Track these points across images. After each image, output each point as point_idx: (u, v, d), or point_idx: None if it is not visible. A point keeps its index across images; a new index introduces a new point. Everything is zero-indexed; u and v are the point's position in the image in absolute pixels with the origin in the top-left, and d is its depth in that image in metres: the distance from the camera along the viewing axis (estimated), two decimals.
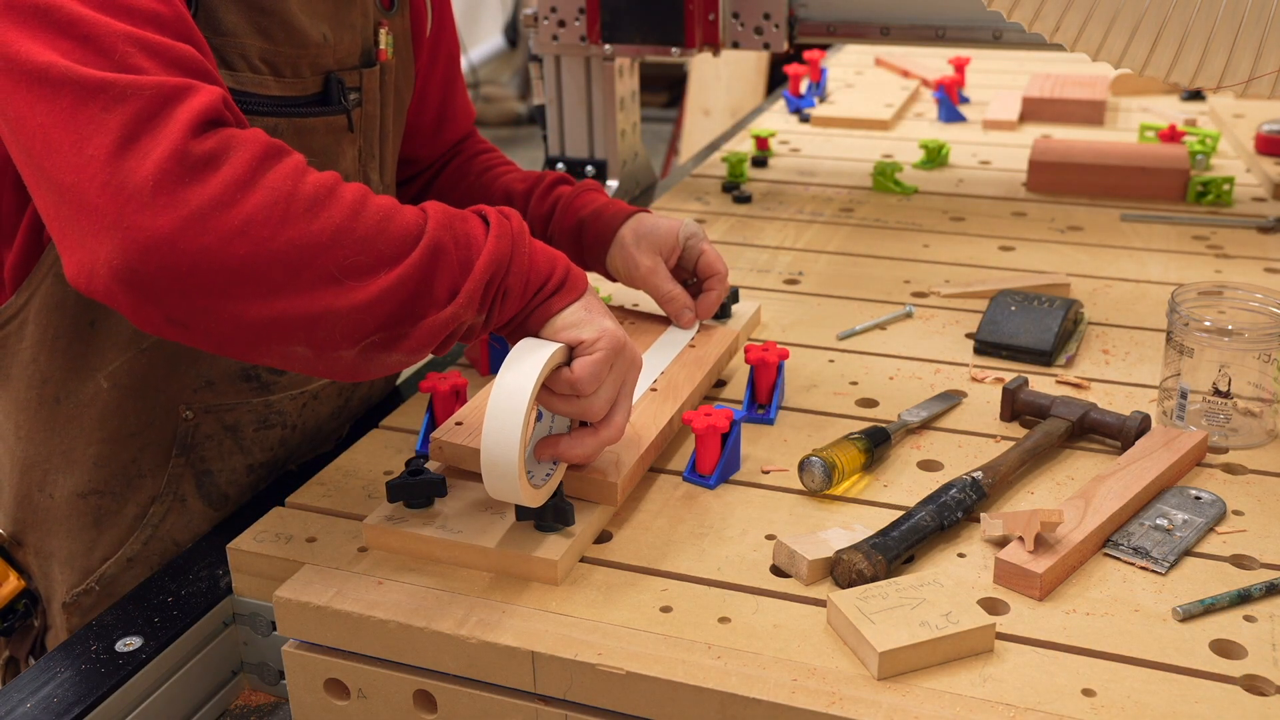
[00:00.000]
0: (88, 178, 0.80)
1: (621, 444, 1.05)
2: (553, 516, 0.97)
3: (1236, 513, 1.03)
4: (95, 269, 0.81)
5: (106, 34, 0.83)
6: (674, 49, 1.74)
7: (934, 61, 2.58)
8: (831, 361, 1.33)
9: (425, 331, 0.90)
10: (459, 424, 1.07)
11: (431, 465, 1.07)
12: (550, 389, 0.97)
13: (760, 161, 2.05)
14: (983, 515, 1.00)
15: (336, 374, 0.91)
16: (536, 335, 0.98)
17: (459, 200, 1.35)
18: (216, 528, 1.13)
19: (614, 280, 1.30)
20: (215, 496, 1.16)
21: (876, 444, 1.11)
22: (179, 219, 0.80)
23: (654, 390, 1.16)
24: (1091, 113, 2.22)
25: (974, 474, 1.04)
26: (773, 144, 2.14)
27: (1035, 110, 2.26)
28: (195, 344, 0.87)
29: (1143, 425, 1.12)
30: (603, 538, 1.01)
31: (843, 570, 0.94)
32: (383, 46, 1.17)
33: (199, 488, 1.15)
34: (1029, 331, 1.31)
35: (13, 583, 1.15)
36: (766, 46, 1.78)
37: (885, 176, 1.89)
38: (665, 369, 1.20)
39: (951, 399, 1.23)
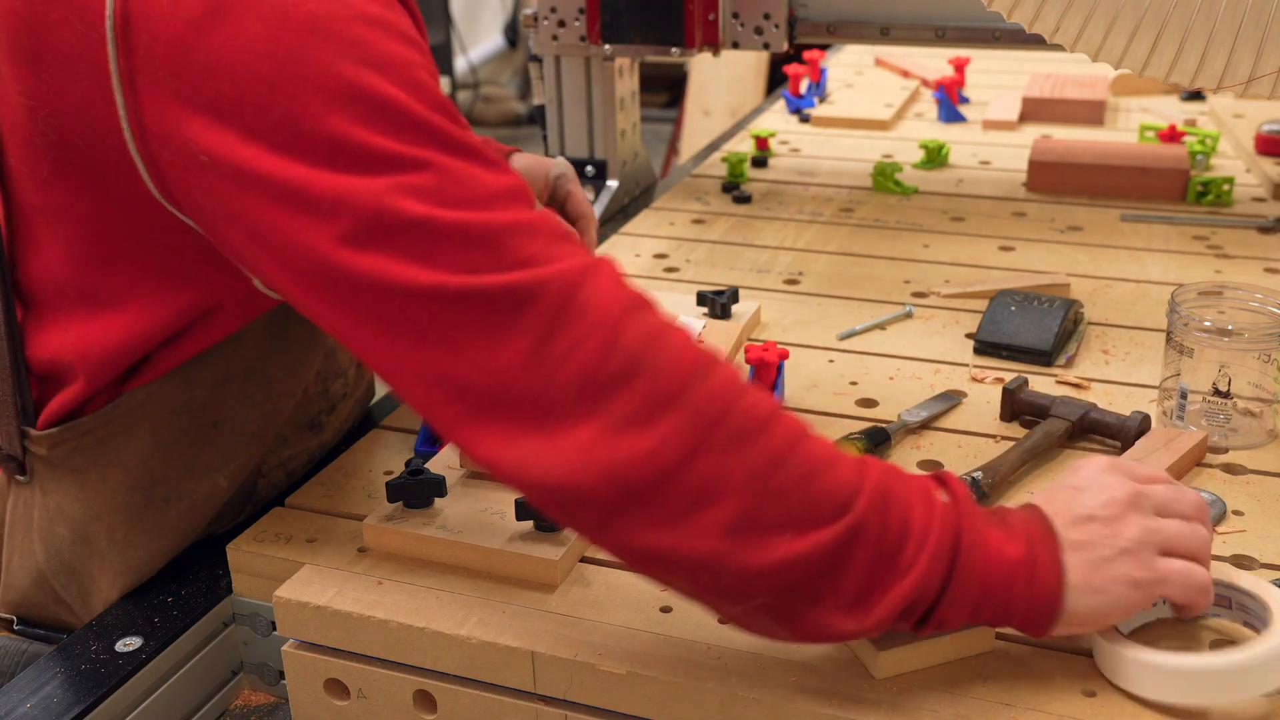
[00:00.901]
0: (503, 383, 0.75)
1: None
2: None
3: (1236, 513, 1.03)
4: (501, 466, 0.77)
5: (486, 234, 0.76)
6: (674, 49, 1.74)
7: (934, 61, 2.58)
8: (831, 361, 1.33)
9: (817, 625, 0.77)
10: None
11: (434, 465, 1.07)
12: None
13: (760, 161, 2.04)
14: None
15: (721, 613, 0.83)
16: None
17: None
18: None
19: None
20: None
21: (876, 444, 1.11)
22: (595, 430, 0.74)
23: None
24: (1091, 113, 2.22)
25: (974, 474, 1.04)
26: (773, 144, 2.14)
27: (1035, 110, 2.25)
28: (599, 546, 0.81)
29: (1143, 425, 1.12)
30: None
31: None
32: None
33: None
34: (1029, 331, 1.31)
35: None
36: (766, 46, 1.78)
37: (885, 176, 1.89)
38: None
39: (951, 399, 1.23)
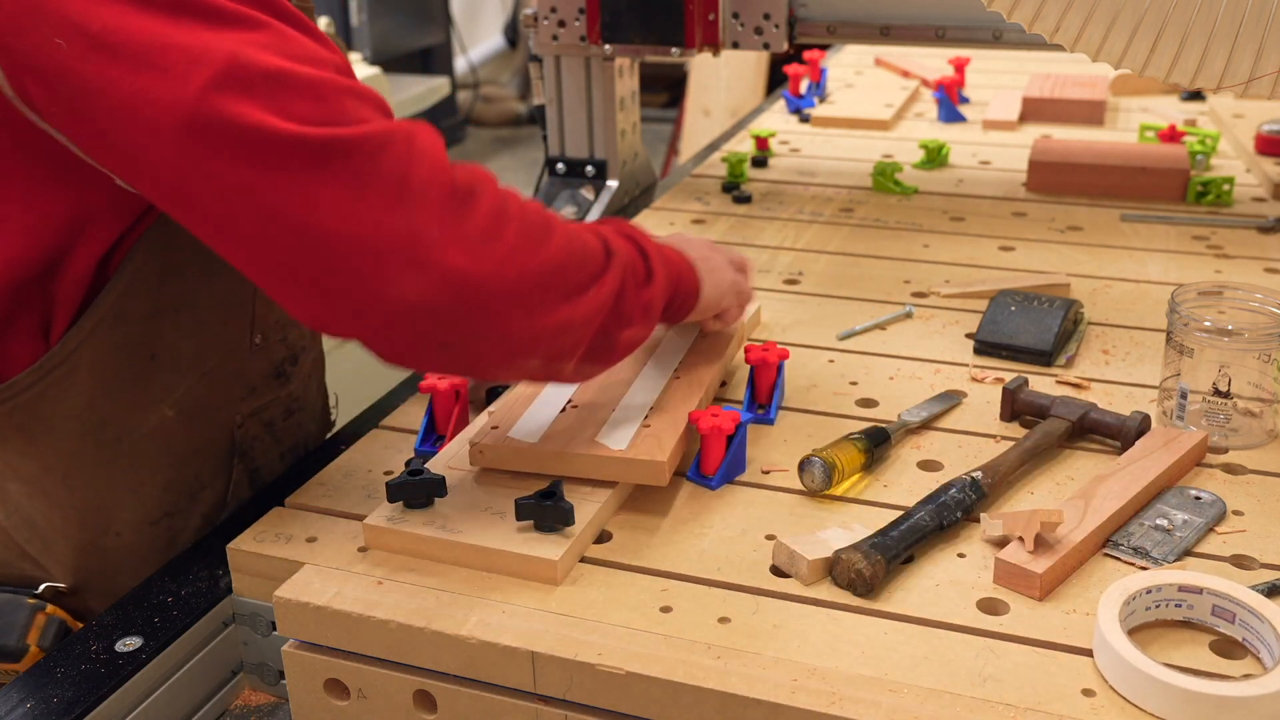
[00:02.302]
0: (375, 224, 0.85)
1: (662, 426, 1.08)
2: (553, 516, 0.97)
3: (1236, 513, 1.03)
4: (378, 305, 0.86)
5: (330, 93, 0.86)
6: (674, 49, 1.74)
7: (934, 61, 2.58)
8: (831, 361, 1.33)
9: (627, 344, 1.02)
10: (494, 427, 1.08)
11: (434, 465, 1.07)
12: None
13: (760, 161, 2.04)
14: (982, 515, 1.00)
15: (555, 380, 1.02)
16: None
17: None
18: (217, 528, 1.13)
19: None
20: (259, 487, 1.19)
21: (876, 444, 1.11)
22: (465, 251, 0.87)
23: (678, 378, 1.18)
24: (1091, 113, 2.22)
25: (974, 474, 1.04)
26: (773, 144, 2.14)
27: (1035, 110, 2.26)
28: (447, 369, 0.95)
29: (1143, 425, 1.12)
30: (603, 538, 1.01)
31: (842, 570, 0.94)
32: None
33: (251, 485, 1.18)
34: (1029, 331, 1.31)
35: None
36: (766, 46, 1.78)
37: (885, 176, 1.89)
38: (683, 358, 1.22)
39: (951, 399, 1.23)
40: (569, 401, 1.12)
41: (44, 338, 1.02)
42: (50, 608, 1.09)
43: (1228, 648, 0.87)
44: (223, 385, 1.12)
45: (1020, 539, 0.95)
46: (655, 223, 1.78)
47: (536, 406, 1.12)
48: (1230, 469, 1.10)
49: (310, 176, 0.84)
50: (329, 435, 1.32)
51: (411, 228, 0.85)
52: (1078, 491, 1.03)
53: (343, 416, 1.37)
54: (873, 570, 0.92)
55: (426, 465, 1.06)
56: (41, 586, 1.10)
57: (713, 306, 1.19)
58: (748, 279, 1.26)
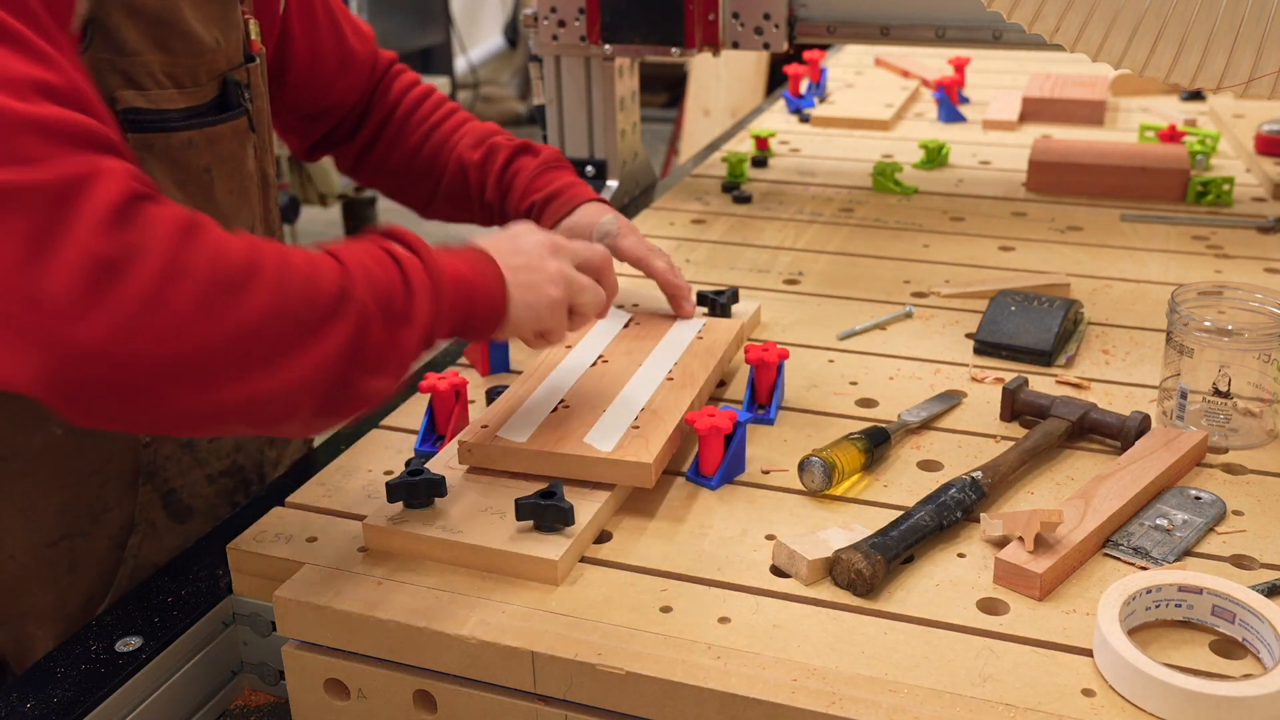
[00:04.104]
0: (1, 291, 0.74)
1: (651, 427, 1.07)
2: (553, 516, 0.97)
3: (1236, 513, 1.03)
4: (18, 380, 0.76)
5: (7, 121, 0.76)
6: (674, 49, 1.74)
7: (934, 61, 2.58)
8: (831, 361, 1.33)
9: (363, 398, 0.88)
10: (484, 426, 1.08)
11: (434, 465, 1.07)
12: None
13: (760, 161, 2.05)
14: (982, 515, 1.00)
15: (291, 434, 0.91)
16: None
17: (414, 164, 1.37)
18: (217, 528, 1.13)
19: None
20: (180, 512, 1.16)
21: (876, 444, 1.11)
22: (106, 329, 0.75)
23: (670, 379, 1.17)
24: (1091, 113, 2.22)
25: (974, 474, 1.04)
26: (773, 144, 2.14)
27: (1035, 110, 2.26)
28: (127, 431, 0.86)
29: (1143, 425, 1.12)
30: (603, 538, 1.01)
31: (842, 570, 0.94)
32: (253, 37, 1.15)
33: (166, 508, 1.15)
34: (1029, 331, 1.31)
35: None
36: (766, 46, 1.78)
37: (885, 176, 1.89)
38: (679, 359, 1.22)
39: (951, 399, 1.23)
40: (560, 401, 1.12)
41: None
42: None
43: (1228, 648, 0.87)
44: None
45: (1020, 539, 0.95)
46: (655, 223, 1.78)
47: (528, 406, 1.12)
48: (1230, 469, 1.10)
49: None
50: (329, 435, 1.31)
51: (32, 298, 0.74)
52: (1078, 491, 1.03)
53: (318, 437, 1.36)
54: (873, 570, 0.92)
55: (426, 465, 1.06)
56: None
57: (528, 327, 1.03)
58: (598, 288, 1.08)
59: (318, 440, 1.30)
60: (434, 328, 0.92)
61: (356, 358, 0.85)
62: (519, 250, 1.03)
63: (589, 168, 1.91)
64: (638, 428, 1.07)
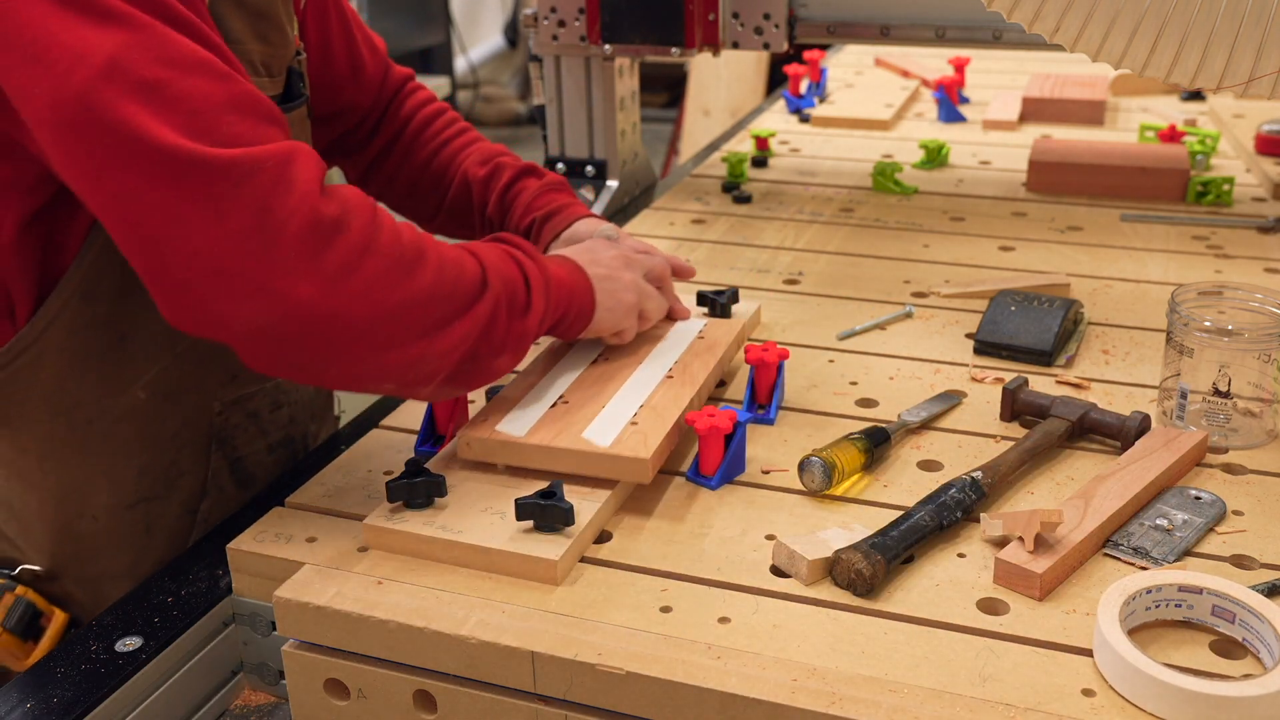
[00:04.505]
0: (230, 249, 0.86)
1: (649, 424, 1.08)
2: (553, 516, 0.97)
3: (1236, 513, 1.03)
4: (228, 323, 0.89)
5: (209, 107, 0.87)
6: (674, 49, 1.74)
7: (934, 61, 2.58)
8: (831, 361, 1.33)
9: (488, 373, 1.03)
10: (484, 420, 1.09)
11: (434, 465, 1.07)
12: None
13: (760, 161, 2.05)
14: (982, 515, 1.00)
15: (421, 398, 1.03)
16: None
17: (423, 178, 1.42)
18: (217, 528, 1.13)
19: None
20: (245, 479, 1.20)
21: (876, 444, 1.11)
22: (317, 285, 0.88)
23: (670, 377, 1.17)
24: (1091, 113, 2.22)
25: (974, 474, 1.04)
26: (773, 144, 2.14)
27: (1035, 110, 2.26)
28: (303, 382, 0.98)
29: (1143, 425, 1.12)
30: (603, 538, 1.01)
31: (842, 570, 0.94)
32: (295, 32, 1.20)
33: (232, 475, 1.18)
34: (1029, 331, 1.31)
35: (59, 618, 1.12)
36: (766, 46, 1.78)
37: (885, 176, 1.89)
38: (679, 358, 1.22)
39: (951, 399, 1.23)
40: (560, 397, 1.13)
41: (10, 320, 1.03)
42: (21, 589, 1.11)
43: (1228, 648, 0.87)
44: (198, 369, 1.12)
45: (1020, 539, 0.95)
46: (655, 223, 1.78)
47: (528, 401, 1.12)
48: (1230, 469, 1.10)
49: (174, 193, 0.85)
50: (330, 434, 1.32)
51: (265, 257, 0.87)
52: (1078, 491, 1.03)
53: (343, 416, 1.37)
54: (873, 570, 0.92)
55: (426, 465, 1.06)
56: (18, 568, 1.12)
57: (608, 328, 1.17)
58: (661, 296, 1.24)
59: (317, 442, 1.30)
60: (544, 320, 1.07)
61: (489, 337, 1.00)
62: (598, 261, 1.17)
63: (589, 168, 1.91)
64: (636, 424, 1.07)
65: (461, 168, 1.41)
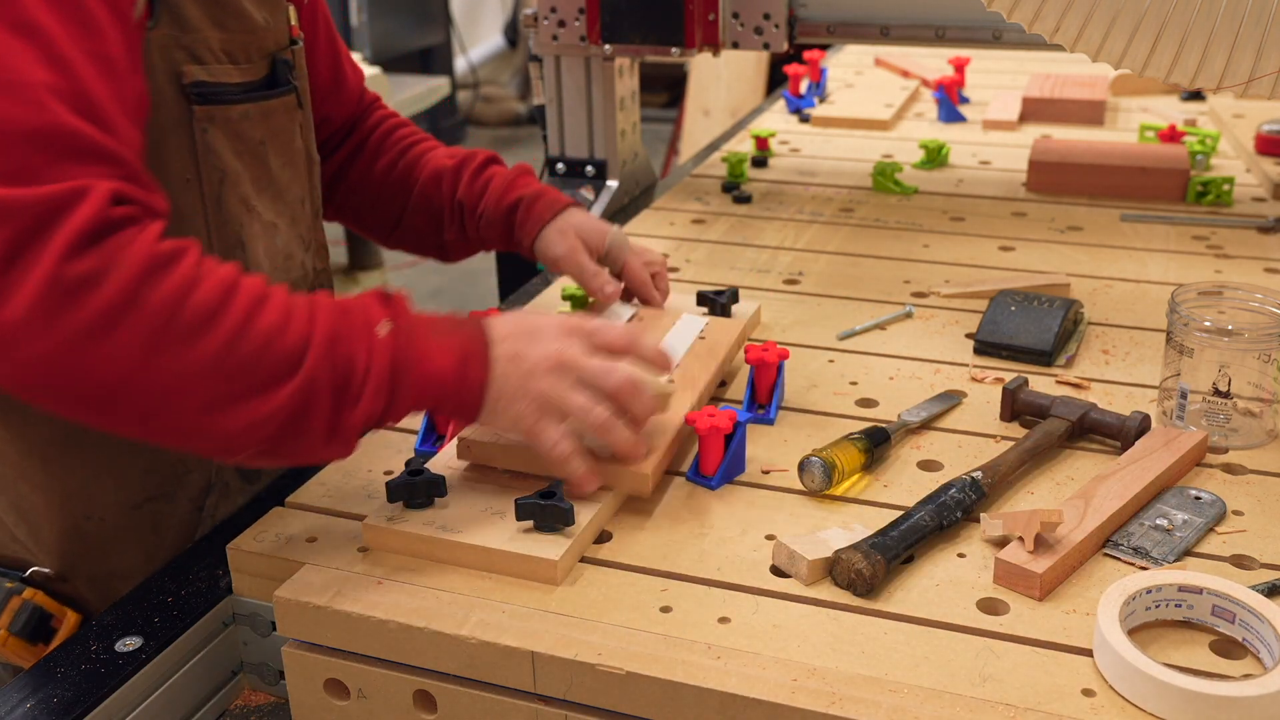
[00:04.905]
0: None
1: (648, 435, 1.06)
2: (553, 516, 0.97)
3: (1236, 513, 1.03)
4: None
5: (5, 132, 0.82)
6: (674, 49, 1.74)
7: (934, 61, 2.58)
8: (831, 361, 1.33)
9: (303, 455, 0.93)
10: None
11: (434, 465, 1.07)
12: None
13: (760, 161, 2.05)
14: (982, 515, 1.00)
15: (236, 464, 0.98)
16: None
17: (389, 178, 1.40)
18: (217, 528, 1.13)
19: (532, 259, 1.37)
20: (250, 474, 1.20)
21: (876, 444, 1.11)
22: (52, 344, 0.81)
23: (671, 381, 1.17)
24: (1091, 113, 2.22)
25: (974, 474, 1.04)
26: (773, 144, 2.14)
27: (1035, 110, 2.26)
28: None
29: (1143, 425, 1.12)
30: (603, 538, 1.01)
31: (842, 570, 0.94)
32: (293, 22, 1.19)
33: (238, 470, 1.18)
34: (1029, 331, 1.31)
35: (70, 619, 1.11)
36: (766, 46, 1.78)
37: (885, 176, 1.89)
38: (679, 361, 1.21)
39: (951, 399, 1.23)
40: None
41: None
42: (29, 592, 1.11)
43: (1228, 648, 0.87)
44: None
45: (1020, 539, 0.95)
46: (655, 223, 1.78)
47: None
48: (1230, 469, 1.10)
49: None
50: None
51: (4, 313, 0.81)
52: (1078, 491, 1.03)
53: None
54: (873, 570, 0.92)
55: (426, 465, 1.06)
56: (29, 570, 1.12)
57: (508, 424, 0.98)
58: (616, 384, 0.99)
59: None
60: (385, 415, 0.94)
61: (304, 423, 0.89)
62: (533, 337, 0.99)
63: (589, 168, 1.91)
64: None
65: (428, 164, 1.40)
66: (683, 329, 1.28)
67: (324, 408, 0.90)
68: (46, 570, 1.12)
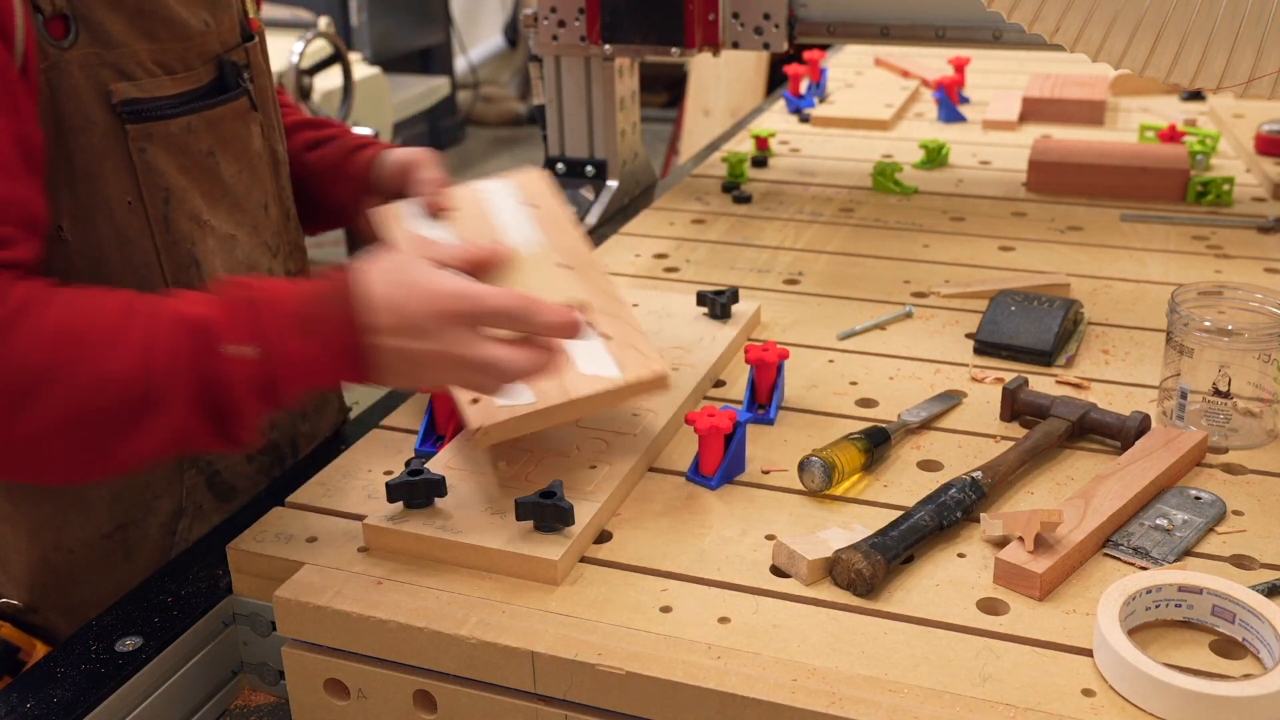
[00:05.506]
0: None
1: (626, 333, 1.06)
2: (553, 516, 0.97)
3: (1236, 513, 1.03)
4: None
5: None
6: (674, 49, 1.74)
7: (934, 61, 2.58)
8: (831, 361, 1.33)
9: (217, 450, 0.95)
10: (474, 401, 1.03)
11: (434, 465, 1.07)
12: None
13: (760, 161, 2.05)
14: (982, 515, 1.00)
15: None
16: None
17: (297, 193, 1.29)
18: (216, 528, 1.13)
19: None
20: (225, 492, 1.17)
21: (876, 444, 1.11)
22: None
23: (568, 268, 1.09)
24: (1091, 113, 2.22)
25: (973, 474, 1.04)
26: (773, 144, 2.14)
27: (1035, 110, 2.26)
28: None
29: (1143, 425, 1.12)
30: (603, 538, 1.01)
31: (842, 570, 0.94)
32: (252, 15, 1.14)
33: (211, 490, 1.16)
34: (1029, 331, 1.31)
35: (39, 650, 1.10)
36: (766, 46, 1.78)
37: (885, 176, 1.89)
38: (538, 234, 1.12)
39: (951, 399, 1.23)
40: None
41: None
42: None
43: (1228, 648, 0.87)
44: None
45: (1020, 539, 0.95)
46: (655, 223, 1.78)
47: None
48: (1230, 469, 1.10)
49: None
50: (331, 432, 1.32)
51: None
52: (1078, 491, 1.03)
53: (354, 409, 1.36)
54: (873, 570, 0.92)
55: (426, 465, 1.06)
56: None
57: (408, 382, 0.99)
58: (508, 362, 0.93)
59: (318, 437, 1.30)
60: (269, 411, 0.92)
61: (193, 441, 0.90)
62: (427, 334, 0.92)
63: (589, 168, 1.91)
64: (611, 338, 1.06)
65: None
66: (498, 204, 1.17)
67: (205, 425, 0.89)
68: (15, 603, 1.11)
